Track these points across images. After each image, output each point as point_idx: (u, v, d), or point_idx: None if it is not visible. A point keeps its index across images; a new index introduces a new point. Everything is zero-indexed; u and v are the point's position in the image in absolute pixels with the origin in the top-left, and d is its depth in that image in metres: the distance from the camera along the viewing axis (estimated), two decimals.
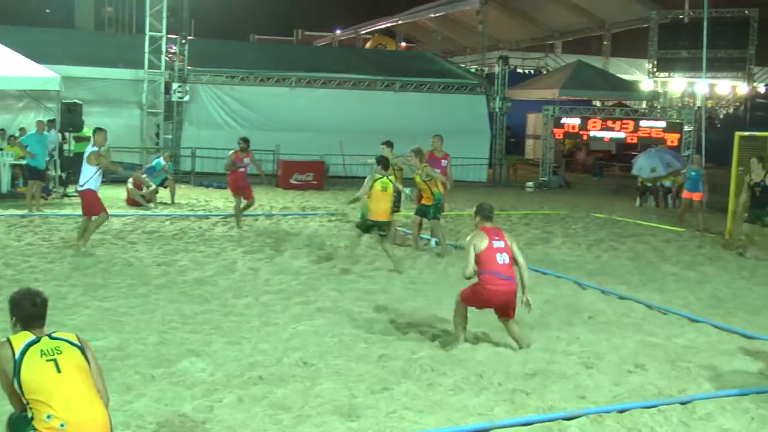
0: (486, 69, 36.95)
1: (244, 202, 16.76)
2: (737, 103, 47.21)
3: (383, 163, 13.15)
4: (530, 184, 28.76)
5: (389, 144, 15.15)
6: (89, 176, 13.43)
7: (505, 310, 8.60)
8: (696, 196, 19.15)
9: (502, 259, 8.41)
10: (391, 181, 13.02)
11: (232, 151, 16.87)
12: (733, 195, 17.81)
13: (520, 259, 8.64)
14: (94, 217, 13.59)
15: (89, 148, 13.76)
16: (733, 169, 18.02)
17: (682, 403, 7.24)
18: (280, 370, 7.73)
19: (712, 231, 18.55)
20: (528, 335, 8.86)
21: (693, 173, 19.40)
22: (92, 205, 13.56)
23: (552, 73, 40.67)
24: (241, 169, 16.60)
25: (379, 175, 12.86)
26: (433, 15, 45.99)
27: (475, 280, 8.48)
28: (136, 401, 6.78)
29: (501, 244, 8.48)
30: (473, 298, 8.58)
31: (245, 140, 16.86)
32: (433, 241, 15.04)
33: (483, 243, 8.43)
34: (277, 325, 9.40)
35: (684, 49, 42.05)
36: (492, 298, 8.43)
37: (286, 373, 7.65)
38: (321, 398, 7.03)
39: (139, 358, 7.91)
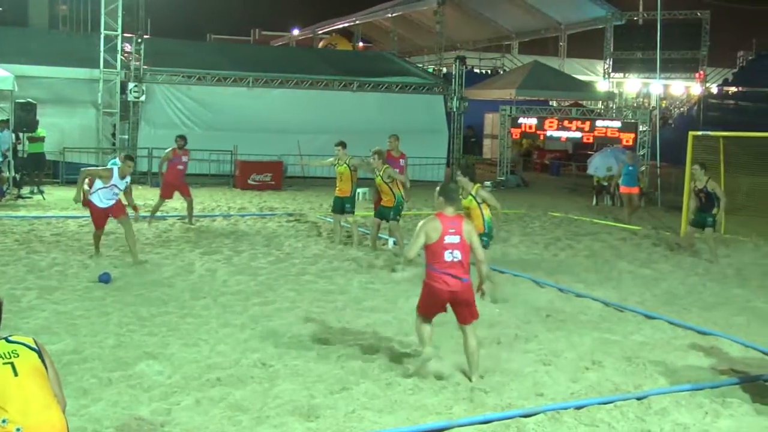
0: (443, 69, 37.06)
1: (167, 201, 17.27)
2: (691, 103, 47.94)
3: (471, 174, 11.32)
4: (488, 183, 28.87)
5: (343, 144, 15.19)
6: (95, 188, 12.91)
7: (458, 310, 7.79)
8: (634, 190, 20.13)
9: (452, 256, 7.57)
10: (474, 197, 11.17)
11: (170, 148, 17.28)
12: (687, 194, 18.08)
13: (480, 253, 7.82)
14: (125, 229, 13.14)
15: (115, 169, 13.03)
16: (687, 168, 18.28)
17: (638, 399, 7.34)
18: (238, 371, 7.70)
19: (666, 229, 18.83)
20: (481, 365, 7.91)
21: (630, 168, 20.20)
22: (92, 217, 13.21)
23: (509, 73, 40.98)
24: (180, 167, 17.11)
25: (467, 191, 11.06)
26: (390, 15, 46.04)
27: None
28: (92, 405, 6.71)
29: (455, 239, 7.57)
30: (423, 299, 7.87)
31: (183, 138, 17.31)
32: (391, 241, 15.07)
33: (435, 234, 7.56)
34: (235, 326, 9.35)
35: (638, 51, 42.75)
36: (437, 295, 7.65)
37: (244, 374, 7.62)
38: (280, 399, 7.01)
39: (96, 362, 7.83)
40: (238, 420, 6.55)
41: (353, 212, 15.35)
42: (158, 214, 18.03)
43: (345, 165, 15.05)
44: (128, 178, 13.15)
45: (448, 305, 7.84)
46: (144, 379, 7.41)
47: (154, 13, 39.47)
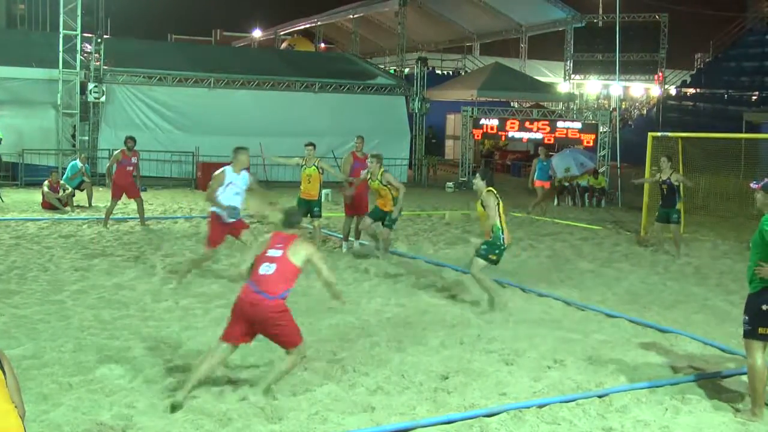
0: (405, 70, 37.13)
1: (118, 203, 17.10)
2: (650, 105, 48.52)
3: (488, 178, 10.82)
4: (450, 184, 29.04)
5: (314, 146, 15.07)
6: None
7: (267, 335, 7.27)
8: (546, 184, 21.74)
9: (265, 269, 7.08)
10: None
11: (119, 150, 17.13)
12: (647, 194, 18.34)
13: (324, 271, 7.35)
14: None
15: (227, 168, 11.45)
16: (647, 169, 18.55)
17: (600, 397, 7.41)
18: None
19: (627, 228, 19.05)
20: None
21: (544, 164, 21.81)
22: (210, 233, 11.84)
23: (470, 74, 41.14)
24: (129, 168, 16.86)
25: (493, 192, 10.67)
26: (351, 16, 46.02)
27: None
28: (52, 411, 6.63)
29: (277, 253, 7.14)
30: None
31: (132, 139, 17.08)
32: (357, 243, 15.00)
33: (261, 248, 7.27)
34: (197, 329, 9.30)
35: (598, 53, 43.28)
36: (237, 306, 7.18)
37: (207, 377, 7.56)
38: (243, 402, 6.98)
39: (56, 366, 7.73)
40: (201, 424, 6.51)
41: (321, 215, 15.22)
42: (119, 216, 17.89)
43: (314, 167, 14.87)
44: (246, 175, 11.61)
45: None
46: (105, 384, 7.33)
47: (114, 12, 39.17)
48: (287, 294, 7.15)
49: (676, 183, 15.39)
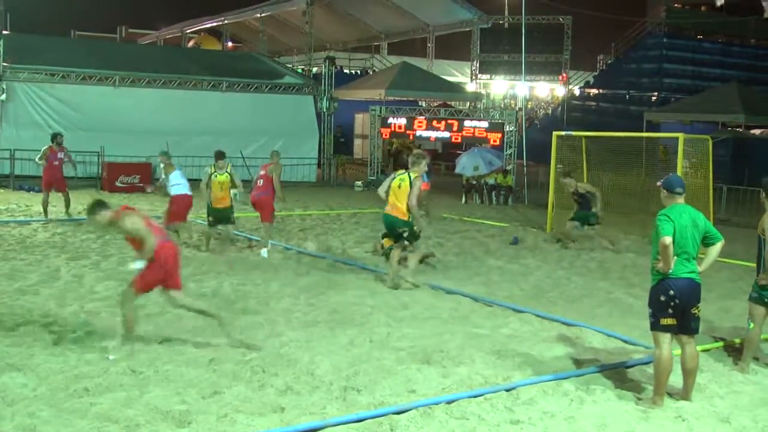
0: (313, 69, 37.08)
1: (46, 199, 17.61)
2: (555, 105, 49.58)
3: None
4: (359, 183, 29.08)
5: (224, 155, 14.94)
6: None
7: None
8: (424, 186, 21.83)
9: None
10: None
11: (47, 146, 17.71)
12: (552, 191, 18.74)
13: None
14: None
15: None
16: (552, 167, 18.94)
17: (507, 390, 7.54)
18: (107, 380, 7.49)
19: (534, 225, 19.43)
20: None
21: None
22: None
23: (378, 73, 41.28)
24: (56, 163, 17.59)
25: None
26: (259, 15, 45.65)
27: None
28: None
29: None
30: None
31: (61, 135, 18.13)
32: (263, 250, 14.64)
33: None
34: (103, 333, 9.10)
35: (504, 53, 44.06)
36: None
37: (113, 382, 7.43)
38: (150, 406, 6.86)
39: None
40: (108, 431, 6.38)
41: (234, 221, 15.20)
42: (21, 218, 17.42)
43: (226, 173, 14.82)
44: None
45: None
46: (7, 393, 7.11)
47: (14, 7, 37.90)
48: None
49: (584, 192, 16.04)
